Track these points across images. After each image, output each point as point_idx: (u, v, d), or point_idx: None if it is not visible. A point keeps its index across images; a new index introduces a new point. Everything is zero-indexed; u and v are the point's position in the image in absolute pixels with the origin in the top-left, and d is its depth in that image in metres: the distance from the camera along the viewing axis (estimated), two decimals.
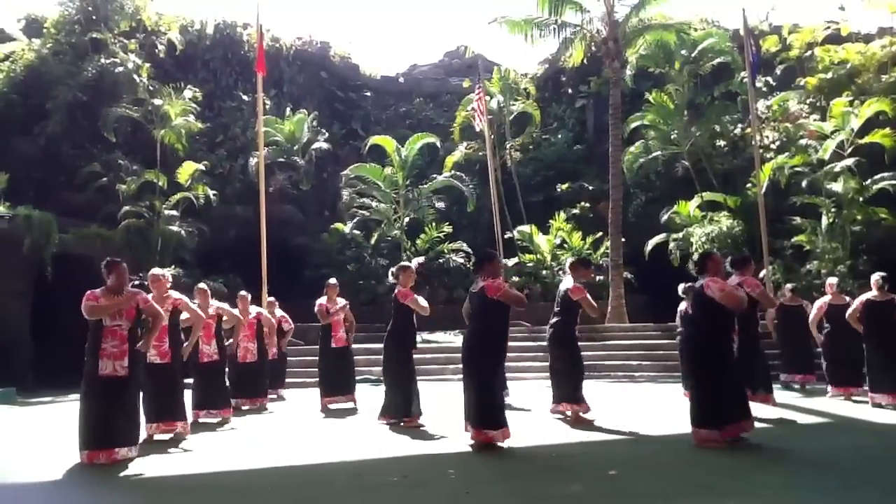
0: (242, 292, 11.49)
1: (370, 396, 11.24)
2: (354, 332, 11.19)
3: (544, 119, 26.54)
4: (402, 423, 8.53)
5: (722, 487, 5.38)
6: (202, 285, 9.98)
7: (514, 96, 26.03)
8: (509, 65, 27.12)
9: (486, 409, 6.94)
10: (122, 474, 6.25)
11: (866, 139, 17.85)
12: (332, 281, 11.18)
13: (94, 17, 21.74)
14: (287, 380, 13.42)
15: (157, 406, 8.00)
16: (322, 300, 10.77)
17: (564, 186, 24.25)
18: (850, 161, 17.73)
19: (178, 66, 23.63)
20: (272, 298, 13.01)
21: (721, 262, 7.42)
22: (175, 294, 8.29)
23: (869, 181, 17.56)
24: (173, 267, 18.35)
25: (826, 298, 11.04)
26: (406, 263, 9.77)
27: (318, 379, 10.89)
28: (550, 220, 22.52)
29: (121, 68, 20.70)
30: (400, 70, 31.62)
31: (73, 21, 21.88)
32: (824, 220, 17.82)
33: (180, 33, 23.96)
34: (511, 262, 21.29)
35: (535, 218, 23.03)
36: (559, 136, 26.44)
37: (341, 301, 10.90)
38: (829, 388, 10.85)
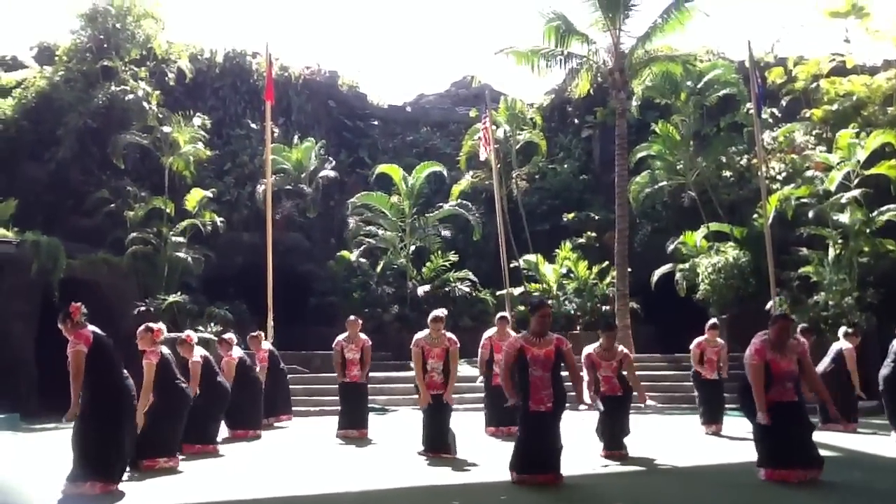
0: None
1: (376, 425, 11.18)
2: (368, 366, 10.96)
3: (550, 149, 26.58)
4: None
5: None
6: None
7: (521, 126, 26.08)
8: (516, 95, 27.23)
9: None
10: None
11: (872, 170, 17.83)
12: (353, 318, 11.15)
13: (105, 46, 21.95)
14: (294, 408, 13.28)
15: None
16: (341, 337, 10.81)
17: (570, 216, 24.23)
18: (856, 192, 17.68)
19: (188, 93, 23.80)
20: (257, 333, 12.86)
21: None
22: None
23: (876, 213, 17.50)
24: (179, 293, 18.35)
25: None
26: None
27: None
28: (556, 250, 22.45)
29: (131, 96, 20.86)
30: (407, 99, 31.70)
31: (85, 49, 22.09)
32: (831, 252, 17.73)
33: (190, 61, 24.15)
34: (517, 291, 21.23)
35: (541, 247, 22.98)
36: (565, 165, 26.44)
37: (363, 336, 10.91)
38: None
